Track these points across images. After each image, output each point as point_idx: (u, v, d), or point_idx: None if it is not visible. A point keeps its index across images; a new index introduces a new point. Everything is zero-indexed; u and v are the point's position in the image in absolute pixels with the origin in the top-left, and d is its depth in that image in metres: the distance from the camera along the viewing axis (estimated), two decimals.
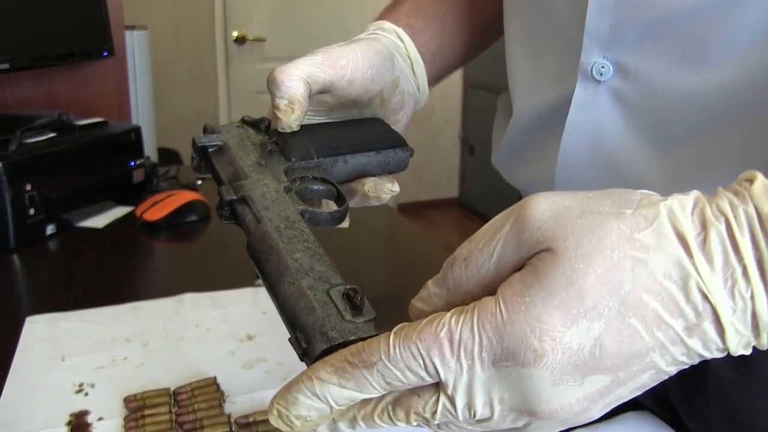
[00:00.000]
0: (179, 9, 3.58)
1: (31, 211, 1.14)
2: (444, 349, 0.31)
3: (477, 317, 0.31)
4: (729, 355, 0.56)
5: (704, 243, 0.30)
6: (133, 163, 1.38)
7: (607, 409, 0.33)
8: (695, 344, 0.31)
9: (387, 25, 0.63)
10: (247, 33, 3.75)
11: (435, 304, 0.35)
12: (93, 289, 0.97)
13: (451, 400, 0.32)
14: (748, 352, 0.31)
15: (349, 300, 0.35)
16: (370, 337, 0.34)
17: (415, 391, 0.33)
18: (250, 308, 0.88)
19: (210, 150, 0.51)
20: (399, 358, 0.32)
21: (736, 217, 0.30)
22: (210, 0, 3.65)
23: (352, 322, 0.35)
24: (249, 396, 0.68)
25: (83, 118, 1.37)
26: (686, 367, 0.32)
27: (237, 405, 0.67)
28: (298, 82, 0.51)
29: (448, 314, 0.32)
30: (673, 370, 0.32)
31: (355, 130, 0.56)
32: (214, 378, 0.70)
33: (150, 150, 1.67)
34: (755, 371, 0.56)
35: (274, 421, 0.34)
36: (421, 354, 0.31)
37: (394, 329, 0.32)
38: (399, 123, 0.61)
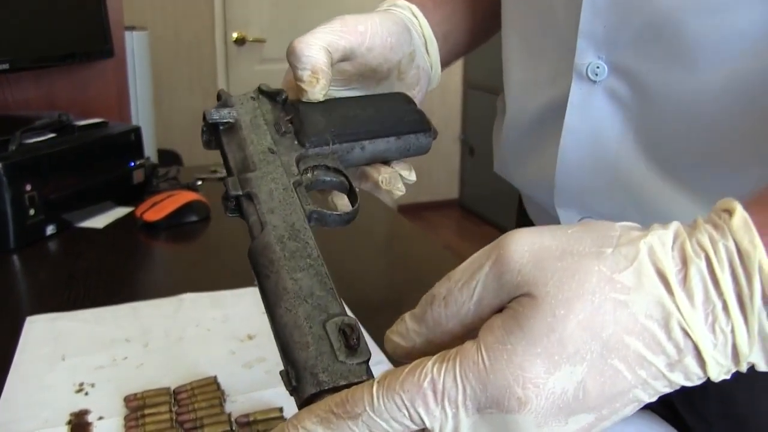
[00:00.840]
0: (179, 10, 3.58)
1: (31, 212, 1.14)
2: (428, 399, 0.31)
3: (459, 366, 0.31)
4: None
5: (684, 280, 0.30)
6: (133, 164, 1.38)
7: None
8: (677, 377, 0.31)
9: (401, 1, 0.61)
10: (247, 34, 3.75)
11: (413, 339, 0.35)
12: (93, 289, 0.97)
13: None
14: (728, 377, 0.32)
15: (345, 337, 0.35)
16: (361, 382, 0.33)
17: None
18: (251, 308, 0.88)
19: (221, 128, 0.48)
20: (383, 409, 0.31)
21: (716, 252, 0.30)
22: (210, 1, 3.65)
23: (344, 364, 0.34)
24: (249, 395, 0.68)
25: (83, 119, 1.37)
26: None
27: (237, 404, 0.67)
28: (319, 51, 0.49)
29: (430, 363, 0.31)
30: (653, 399, 0.32)
31: (377, 109, 0.53)
32: (215, 377, 0.70)
33: (150, 151, 1.67)
34: (756, 374, 0.56)
35: None
36: (405, 404, 0.31)
37: (377, 378, 0.32)
38: (415, 99, 0.59)
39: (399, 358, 0.35)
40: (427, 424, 0.31)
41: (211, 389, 0.68)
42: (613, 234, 0.32)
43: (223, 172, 1.65)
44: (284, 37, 3.91)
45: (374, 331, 0.79)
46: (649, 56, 0.51)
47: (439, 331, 0.34)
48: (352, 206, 0.47)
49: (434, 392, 0.31)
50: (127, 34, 1.72)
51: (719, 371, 0.31)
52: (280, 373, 0.35)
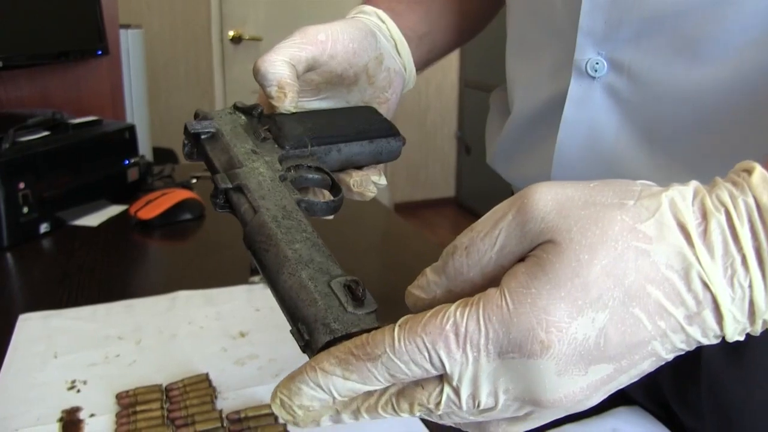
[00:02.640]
0: (175, 9, 3.58)
1: (25, 210, 1.14)
2: (450, 342, 0.31)
3: (483, 310, 0.31)
4: (721, 347, 0.56)
5: (705, 233, 0.31)
6: (127, 162, 1.38)
7: (606, 396, 0.33)
8: (694, 332, 0.31)
9: (367, 8, 0.63)
10: (243, 32, 3.75)
11: (434, 291, 0.35)
12: (87, 287, 0.97)
13: (456, 391, 0.32)
14: (742, 338, 0.32)
15: (351, 291, 0.35)
16: (373, 329, 0.34)
17: (419, 382, 0.33)
18: (243, 305, 0.89)
19: (203, 137, 0.50)
20: (404, 351, 0.31)
21: (735, 207, 0.31)
22: (206, 0, 3.65)
23: (354, 314, 0.34)
24: (241, 392, 0.68)
25: (77, 117, 1.37)
26: (683, 353, 0.33)
27: (229, 401, 0.67)
28: (283, 66, 0.51)
29: (453, 306, 0.31)
30: (671, 357, 0.32)
31: (348, 119, 0.55)
32: (207, 374, 0.70)
33: (145, 149, 1.67)
34: (747, 362, 0.56)
35: (277, 410, 0.34)
36: (426, 347, 0.31)
37: (399, 322, 0.32)
38: (389, 102, 0.60)
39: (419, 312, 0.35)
40: (447, 369, 0.31)
41: (202, 386, 0.68)
42: (635, 189, 0.32)
43: None
44: (281, 36, 3.87)
45: None
46: (650, 51, 0.51)
47: (460, 280, 0.34)
48: (335, 197, 0.48)
49: (456, 335, 0.31)
50: (122, 32, 1.71)
51: (735, 328, 0.31)
52: (291, 332, 0.35)
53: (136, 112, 1.77)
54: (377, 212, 1.40)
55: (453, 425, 0.36)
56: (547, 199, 0.32)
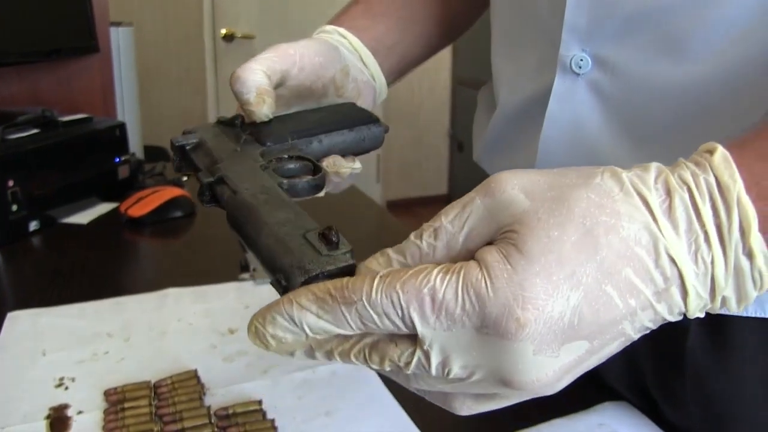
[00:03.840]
0: (167, 6, 3.57)
1: (14, 208, 1.13)
2: (425, 305, 0.31)
3: (462, 280, 0.31)
4: (705, 340, 0.57)
5: (669, 209, 0.32)
6: (118, 160, 1.37)
7: (573, 379, 0.33)
8: (662, 309, 0.32)
9: (328, 27, 0.66)
10: (236, 30, 3.74)
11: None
12: (77, 285, 0.97)
13: (426, 356, 0.32)
14: (702, 314, 0.33)
15: (325, 238, 0.36)
16: (348, 265, 0.35)
17: (393, 339, 0.33)
18: (233, 303, 0.89)
19: (188, 148, 0.52)
20: (378, 303, 0.32)
21: (697, 185, 0.32)
22: None
23: (329, 255, 0.35)
24: (229, 388, 0.69)
25: (68, 115, 1.36)
26: (648, 332, 0.34)
27: (217, 397, 0.67)
28: (262, 75, 0.53)
29: (435, 270, 0.32)
30: (637, 337, 0.33)
31: (326, 113, 0.57)
32: (195, 371, 0.70)
33: (136, 146, 1.66)
34: (730, 354, 0.57)
35: (251, 337, 0.35)
36: (401, 304, 0.31)
37: (381, 272, 0.33)
38: None
39: None
40: (419, 331, 0.32)
41: (191, 383, 0.68)
42: (597, 170, 0.33)
43: None
44: (273, 33, 3.92)
45: None
46: (633, 48, 0.52)
47: (425, 262, 0.34)
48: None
49: (433, 300, 0.31)
50: (113, 29, 1.71)
51: (697, 305, 0.32)
52: (271, 283, 0.37)
53: (127, 109, 1.77)
54: (369, 210, 1.40)
55: (418, 391, 0.36)
56: (514, 182, 0.33)
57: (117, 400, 0.66)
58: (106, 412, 0.64)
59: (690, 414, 0.61)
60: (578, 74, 0.55)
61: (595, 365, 0.33)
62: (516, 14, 0.63)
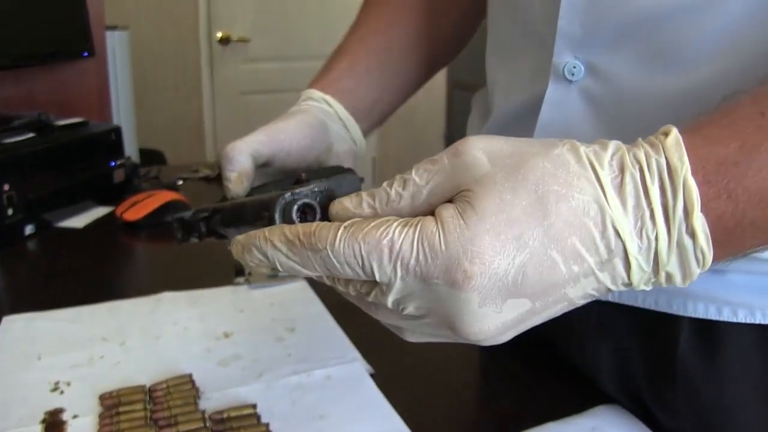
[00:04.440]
0: (163, 10, 3.56)
1: (10, 212, 1.13)
2: (383, 255, 0.34)
3: (418, 233, 0.34)
4: (696, 346, 0.57)
5: (620, 186, 0.34)
6: (113, 164, 1.38)
7: (516, 334, 0.36)
8: (605, 278, 0.34)
9: (316, 94, 0.69)
10: (232, 34, 3.74)
11: (363, 209, 0.38)
12: (72, 289, 0.97)
13: (384, 293, 0.36)
14: (648, 287, 0.36)
15: (298, 181, 0.41)
16: (324, 189, 0.41)
17: None
18: (228, 307, 0.89)
19: (186, 218, 0.57)
20: (341, 253, 0.35)
21: (648, 165, 0.34)
22: (194, 1, 3.63)
23: (304, 189, 0.41)
24: (224, 392, 0.69)
25: (63, 119, 1.37)
26: (592, 300, 0.36)
27: (212, 401, 0.67)
28: (247, 158, 0.57)
29: (395, 224, 0.35)
30: (581, 303, 0.35)
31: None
32: (190, 375, 0.71)
33: (131, 150, 1.67)
34: (721, 360, 0.57)
35: (234, 253, 0.40)
36: (361, 254, 0.35)
37: (345, 223, 0.36)
38: None
39: (338, 219, 0.38)
40: (377, 278, 0.35)
41: (186, 387, 0.69)
42: (559, 143, 0.36)
43: (204, 171, 1.64)
44: (269, 37, 3.92)
45: (354, 331, 0.80)
46: (626, 56, 0.52)
47: (390, 207, 0.37)
48: None
49: (390, 251, 0.34)
50: (108, 33, 1.71)
51: (641, 277, 0.35)
52: (259, 226, 0.40)
53: (122, 113, 1.77)
54: None
55: (380, 320, 0.40)
56: (479, 146, 0.36)
57: (112, 404, 0.66)
58: (101, 416, 0.64)
59: (682, 420, 0.61)
60: (571, 81, 0.55)
61: (538, 324, 0.36)
62: (511, 21, 0.64)
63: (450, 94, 4.56)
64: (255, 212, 0.42)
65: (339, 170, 0.58)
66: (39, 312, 0.87)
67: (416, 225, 0.34)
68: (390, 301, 0.36)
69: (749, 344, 0.55)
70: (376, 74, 0.74)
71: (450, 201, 0.35)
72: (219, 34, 3.72)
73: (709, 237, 0.34)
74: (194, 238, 0.57)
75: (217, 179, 1.54)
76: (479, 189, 0.34)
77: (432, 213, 0.35)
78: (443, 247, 0.33)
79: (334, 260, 0.35)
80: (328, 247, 0.35)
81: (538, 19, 0.58)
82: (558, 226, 0.33)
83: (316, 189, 0.42)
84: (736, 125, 0.35)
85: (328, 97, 0.69)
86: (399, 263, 0.34)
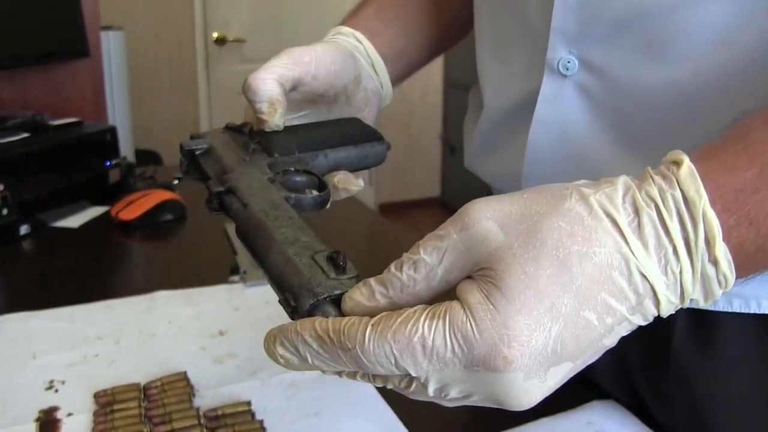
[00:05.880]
0: (159, 10, 3.57)
1: (5, 212, 1.13)
2: (416, 353, 0.32)
3: (449, 324, 0.32)
4: (691, 340, 0.57)
5: (638, 228, 0.33)
6: (108, 164, 1.37)
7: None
8: (637, 320, 0.34)
9: (345, 29, 0.66)
10: (227, 34, 3.74)
11: (377, 300, 0.36)
12: (67, 288, 0.97)
13: (424, 386, 0.34)
14: (673, 311, 0.35)
15: (333, 261, 0.37)
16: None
17: None
18: (223, 305, 0.89)
19: (197, 153, 0.53)
20: (371, 353, 0.33)
21: (664, 202, 0.33)
22: (190, 1, 3.64)
23: (337, 279, 0.37)
24: (218, 390, 0.69)
25: (58, 119, 1.37)
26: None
27: (206, 399, 0.67)
28: (274, 84, 0.53)
29: (422, 318, 0.33)
30: (615, 343, 0.35)
31: (333, 128, 0.58)
32: (185, 373, 0.71)
33: (127, 150, 1.67)
34: (715, 354, 0.57)
35: (266, 351, 0.37)
36: (393, 354, 0.33)
37: (372, 320, 0.34)
38: (366, 120, 0.62)
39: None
40: (413, 374, 0.33)
41: (180, 384, 0.69)
42: (566, 192, 0.34)
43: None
44: (265, 37, 3.92)
45: None
46: (619, 51, 0.52)
47: (406, 293, 0.35)
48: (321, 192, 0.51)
49: (423, 348, 0.32)
50: (103, 33, 1.71)
51: (668, 309, 0.34)
52: (279, 301, 0.38)
53: (117, 113, 1.77)
54: (362, 214, 1.41)
55: None
56: (487, 216, 0.34)
57: (106, 402, 0.66)
58: (95, 414, 0.64)
59: (677, 413, 0.61)
60: (565, 76, 0.55)
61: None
62: (504, 16, 0.64)
63: (446, 95, 4.56)
64: (278, 274, 0.38)
65: (368, 135, 0.58)
66: (34, 311, 0.87)
67: (444, 316, 0.32)
68: (431, 391, 0.34)
69: (744, 334, 0.55)
70: (402, 25, 0.71)
71: (469, 276, 0.34)
72: (215, 35, 3.72)
73: (732, 263, 0.33)
74: (193, 173, 0.54)
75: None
76: (500, 266, 0.33)
77: (451, 289, 0.34)
78: (477, 336, 0.32)
79: (365, 360, 0.33)
80: (358, 348, 0.33)
81: (532, 14, 0.58)
82: (586, 286, 0.32)
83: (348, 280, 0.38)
84: (751, 150, 0.35)
85: (357, 34, 0.65)
86: (435, 358, 0.32)
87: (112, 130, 1.40)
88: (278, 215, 0.42)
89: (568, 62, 0.55)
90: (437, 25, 0.74)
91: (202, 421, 0.63)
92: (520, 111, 0.61)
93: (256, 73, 0.54)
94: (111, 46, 1.74)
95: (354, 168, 0.57)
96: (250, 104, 0.54)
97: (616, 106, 0.54)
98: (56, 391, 0.70)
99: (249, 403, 0.65)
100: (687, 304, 0.34)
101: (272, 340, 0.36)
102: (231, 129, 0.56)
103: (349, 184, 0.55)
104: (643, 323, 0.34)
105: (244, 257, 1.01)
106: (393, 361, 0.33)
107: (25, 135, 1.25)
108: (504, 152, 0.65)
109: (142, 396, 0.68)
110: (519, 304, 0.32)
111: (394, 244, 1.27)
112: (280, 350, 0.36)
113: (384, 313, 0.34)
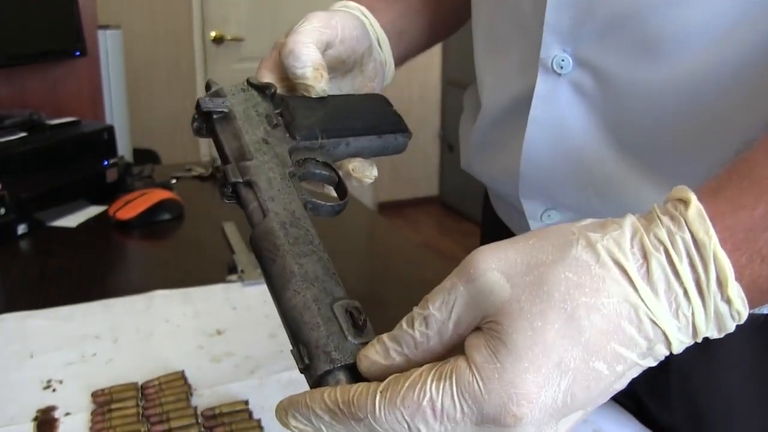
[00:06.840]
0: (156, 9, 3.56)
1: (2, 211, 1.13)
2: (427, 417, 0.32)
3: (456, 386, 0.32)
4: None
5: (647, 274, 0.32)
6: (106, 163, 1.37)
7: None
8: (648, 362, 0.33)
9: (351, 3, 0.64)
10: (225, 33, 3.74)
11: (393, 358, 0.36)
12: (64, 288, 0.97)
13: None
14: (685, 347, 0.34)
15: (352, 318, 0.37)
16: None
17: None
18: (221, 304, 0.89)
19: (215, 116, 0.49)
20: (383, 420, 0.33)
21: (674, 245, 0.32)
22: (188, 0, 3.63)
23: (354, 344, 0.36)
24: (216, 389, 0.69)
25: (55, 118, 1.36)
26: None
27: (204, 398, 0.67)
28: (314, 48, 0.52)
29: (429, 380, 0.33)
30: (625, 385, 0.34)
31: (360, 110, 0.56)
32: (182, 372, 0.71)
33: (124, 149, 1.67)
34: (715, 355, 0.57)
35: (278, 418, 0.37)
36: (405, 419, 0.33)
37: (380, 387, 0.34)
38: (374, 91, 0.62)
39: (372, 376, 0.36)
40: None
41: (178, 383, 0.69)
42: (572, 238, 0.34)
43: (198, 170, 1.63)
44: (262, 36, 3.91)
45: None
46: (614, 49, 0.52)
47: (421, 350, 0.35)
48: (341, 199, 0.49)
49: (433, 411, 0.32)
50: (101, 32, 1.71)
51: (680, 348, 0.33)
52: (291, 352, 0.37)
53: (115, 112, 1.77)
54: (360, 213, 1.41)
55: None
56: (492, 267, 0.33)
57: (104, 402, 0.66)
58: (93, 413, 0.65)
59: (675, 412, 0.61)
60: (560, 74, 0.55)
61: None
62: (498, 15, 0.64)
63: (444, 93, 4.56)
64: (295, 322, 0.37)
65: (392, 125, 0.57)
66: (31, 310, 0.87)
67: (451, 376, 0.32)
68: None
69: (742, 334, 0.55)
70: (403, 6, 0.71)
71: (478, 327, 0.34)
72: (213, 34, 3.72)
73: (745, 300, 0.33)
74: (206, 134, 0.50)
75: (210, 178, 1.54)
76: (507, 321, 0.32)
77: (462, 340, 0.34)
78: (486, 396, 0.31)
79: (378, 428, 0.33)
80: (369, 417, 0.33)
81: (526, 12, 0.58)
82: (595, 338, 0.32)
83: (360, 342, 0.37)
84: (758, 186, 0.34)
85: (363, 8, 0.64)
86: (446, 419, 0.32)
87: (110, 129, 1.40)
88: (299, 236, 0.41)
89: (562, 60, 0.55)
90: (436, 12, 0.74)
91: (199, 420, 0.63)
92: (516, 110, 0.61)
93: (295, 37, 0.52)
94: (108, 45, 1.73)
95: (374, 156, 0.56)
96: (288, 70, 0.52)
97: (611, 105, 0.54)
98: (54, 390, 0.70)
99: (247, 402, 0.66)
100: (699, 340, 0.34)
101: (284, 413, 0.36)
102: (253, 86, 0.52)
103: (363, 174, 0.55)
104: (654, 364, 0.34)
105: (241, 256, 1.01)
106: (406, 426, 0.33)
107: (23, 134, 1.25)
108: (500, 152, 0.65)
109: (140, 395, 0.68)
110: (527, 361, 0.31)
111: (392, 243, 1.27)
112: (293, 422, 0.36)
113: (392, 377, 0.34)
